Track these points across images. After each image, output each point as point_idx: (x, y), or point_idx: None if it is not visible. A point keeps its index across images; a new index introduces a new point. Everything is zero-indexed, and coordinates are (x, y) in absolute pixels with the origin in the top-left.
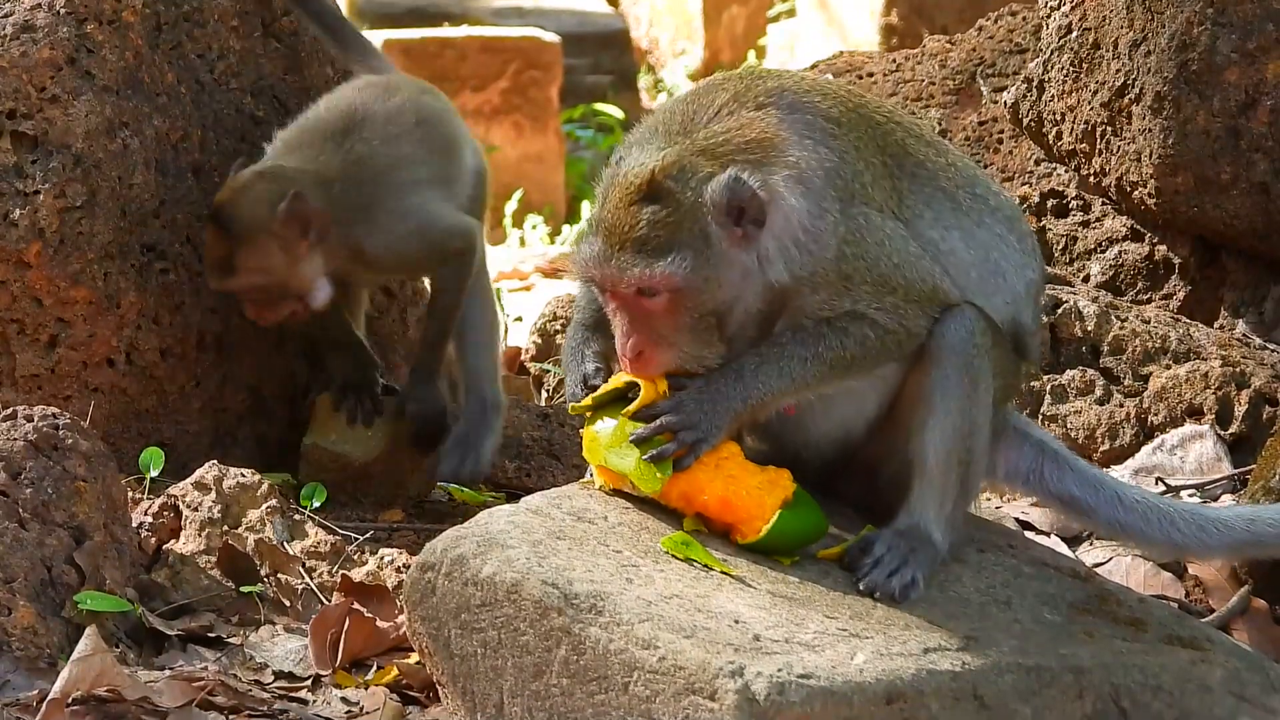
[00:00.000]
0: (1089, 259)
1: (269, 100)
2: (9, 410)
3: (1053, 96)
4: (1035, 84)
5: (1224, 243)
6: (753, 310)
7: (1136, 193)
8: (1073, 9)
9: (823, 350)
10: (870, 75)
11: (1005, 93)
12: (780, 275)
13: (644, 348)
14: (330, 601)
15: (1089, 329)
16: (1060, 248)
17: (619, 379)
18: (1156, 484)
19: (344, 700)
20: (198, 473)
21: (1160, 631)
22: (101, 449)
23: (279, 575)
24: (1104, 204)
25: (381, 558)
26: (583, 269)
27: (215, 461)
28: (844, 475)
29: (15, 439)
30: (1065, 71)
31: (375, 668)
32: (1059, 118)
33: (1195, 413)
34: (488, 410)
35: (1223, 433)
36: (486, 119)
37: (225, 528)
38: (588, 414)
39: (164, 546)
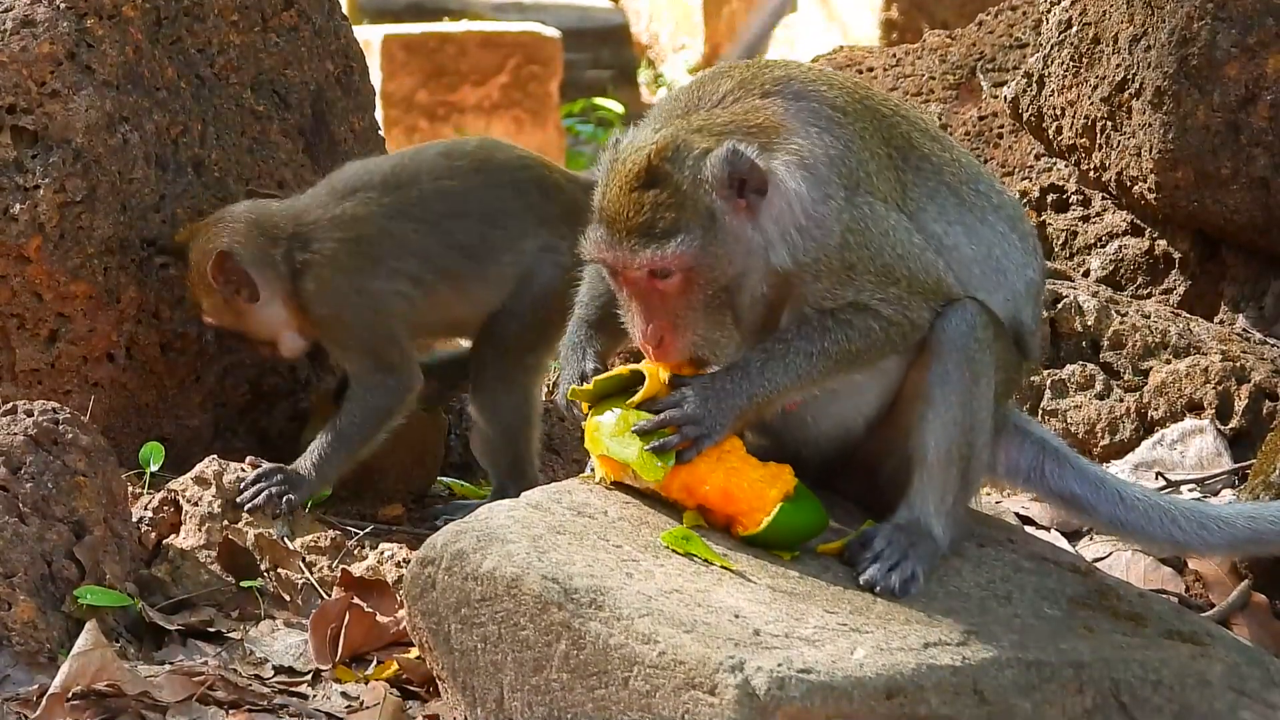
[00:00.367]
0: (1089, 254)
1: (269, 95)
2: (9, 405)
3: (1053, 91)
4: (1035, 79)
5: (1224, 237)
6: (759, 293)
7: (1136, 187)
8: (1073, 4)
9: (828, 345)
10: (870, 70)
11: (1005, 87)
12: (783, 260)
13: (663, 332)
14: (330, 596)
15: (1089, 324)
16: (1060, 242)
17: (622, 369)
18: (1156, 479)
19: (344, 695)
20: (198, 467)
21: (1160, 626)
22: (101, 444)
23: (279, 570)
24: (1104, 199)
25: (381, 552)
26: (594, 254)
27: (215, 456)
28: (844, 470)
29: (15, 434)
30: (1065, 66)
31: (375, 662)
32: (1059, 112)
33: (1195, 407)
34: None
35: (1223, 427)
36: (486, 114)
37: (225, 522)
38: (585, 406)
39: (164, 541)
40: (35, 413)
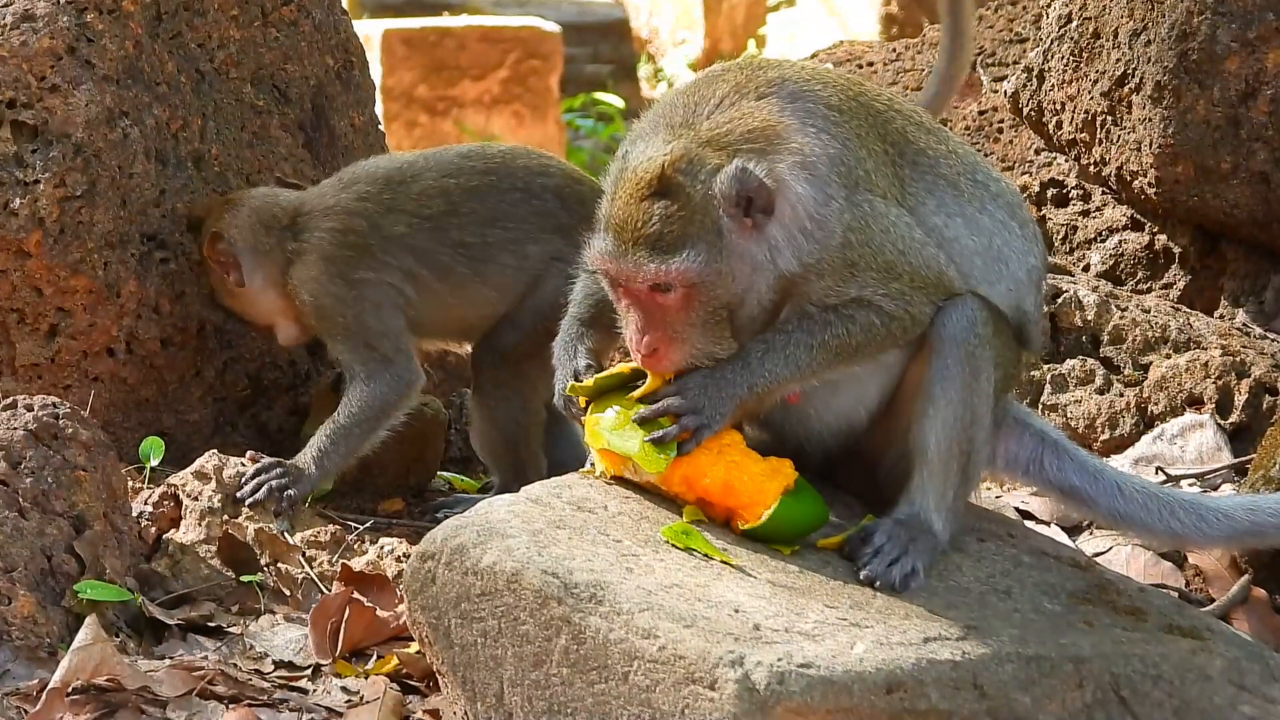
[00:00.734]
0: (1089, 248)
1: (269, 90)
2: (9, 399)
3: (1053, 86)
4: (1035, 73)
5: (1224, 232)
6: (765, 302)
7: (1136, 182)
8: None
9: (828, 337)
10: (870, 64)
11: (1005, 82)
12: (790, 264)
13: (659, 344)
14: (330, 591)
15: (1089, 318)
16: (1060, 237)
17: (623, 367)
18: (1156, 473)
19: (344, 689)
20: (198, 462)
21: (1160, 621)
22: (101, 438)
23: (279, 564)
24: (1104, 193)
25: (381, 547)
26: (596, 263)
27: (215, 451)
28: (845, 465)
29: (15, 428)
30: (1065, 61)
31: (375, 657)
32: (1059, 107)
33: (1195, 402)
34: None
35: (1223, 422)
36: (486, 108)
37: (225, 517)
38: (583, 401)
39: (164, 536)
40: (35, 407)
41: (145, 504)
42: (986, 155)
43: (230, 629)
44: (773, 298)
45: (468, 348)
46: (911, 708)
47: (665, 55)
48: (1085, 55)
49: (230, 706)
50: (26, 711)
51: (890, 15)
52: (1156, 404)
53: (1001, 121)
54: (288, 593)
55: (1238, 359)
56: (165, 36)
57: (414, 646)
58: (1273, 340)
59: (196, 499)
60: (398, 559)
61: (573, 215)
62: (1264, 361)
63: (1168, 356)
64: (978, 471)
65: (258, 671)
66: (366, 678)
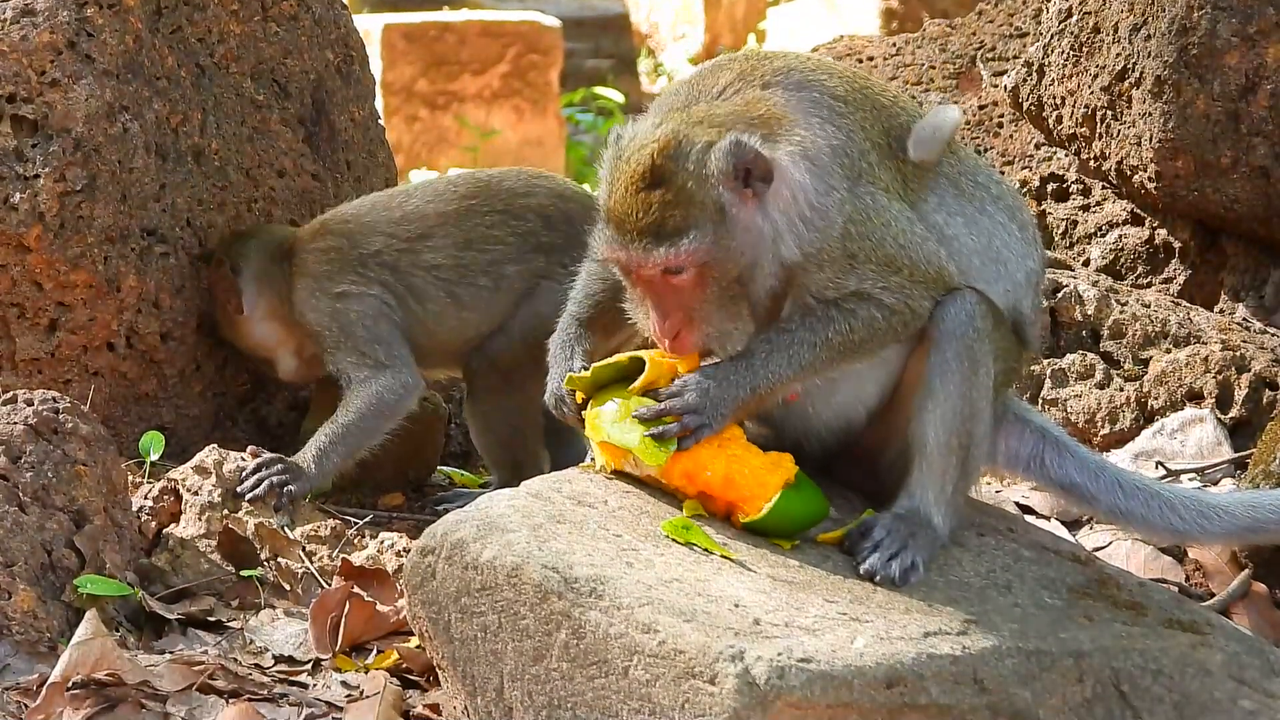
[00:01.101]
0: (1089, 243)
1: (269, 84)
2: (9, 394)
3: (1053, 80)
4: (1035, 68)
5: (1224, 227)
6: (770, 285)
7: (1137, 177)
8: None
9: (831, 334)
10: (870, 59)
11: (1005, 76)
12: (791, 251)
13: (679, 327)
14: (330, 585)
15: (1089, 313)
16: (1060, 232)
17: (621, 357)
18: (1156, 468)
19: (344, 684)
20: (198, 456)
21: (1160, 615)
22: (101, 433)
23: (279, 559)
24: (1104, 188)
25: (381, 542)
26: (605, 253)
27: (215, 445)
28: (845, 460)
29: (15, 423)
30: (1065, 55)
31: (375, 651)
32: (1059, 102)
33: (1195, 397)
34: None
35: (1223, 417)
36: (486, 103)
37: (225, 511)
38: (580, 395)
39: (164, 530)
40: (35, 402)
41: (145, 499)
42: (986, 150)
43: (230, 624)
44: (775, 284)
45: None
46: (912, 702)
47: (665, 50)
48: (1085, 50)
49: (230, 701)
50: (26, 706)
51: (890, 10)
52: (1156, 399)
53: (1001, 116)
54: (288, 587)
55: (1238, 354)
56: (165, 31)
57: (414, 641)
58: (1273, 335)
59: (196, 494)
60: (398, 553)
61: (556, 234)
62: (1264, 356)
63: (1168, 351)
64: (977, 465)
65: (258, 666)
66: (366, 672)
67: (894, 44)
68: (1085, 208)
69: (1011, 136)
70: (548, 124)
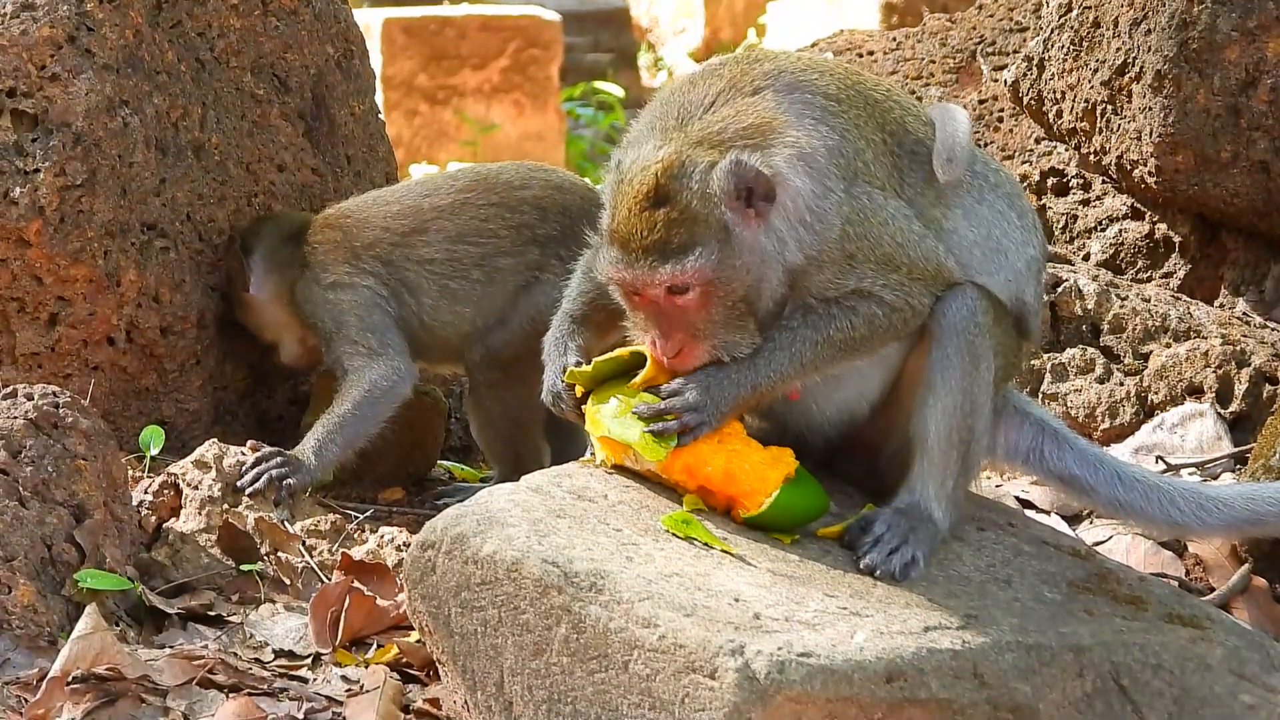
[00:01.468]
0: (1089, 237)
1: (269, 79)
2: (9, 388)
3: (1053, 75)
4: (1035, 62)
5: (1224, 221)
6: (776, 295)
7: (1137, 171)
8: None
9: (832, 332)
10: (870, 54)
11: (1005, 71)
12: (794, 256)
13: (683, 344)
14: (330, 580)
15: (1089, 307)
16: (1060, 226)
17: (622, 351)
18: (1156, 462)
19: (344, 678)
20: (198, 451)
21: (1160, 610)
22: (102, 427)
23: (279, 553)
24: (1104, 182)
25: (382, 536)
26: (609, 275)
27: (215, 439)
28: (845, 455)
29: (15, 417)
30: (1065, 50)
31: (375, 646)
32: (1059, 96)
33: (1195, 391)
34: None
35: (1223, 411)
36: (486, 97)
37: (225, 506)
38: (580, 390)
39: (164, 525)
40: (35, 396)
41: (145, 493)
42: (986, 144)
43: (230, 618)
44: (783, 290)
45: None
46: (911, 696)
47: (665, 44)
48: (1085, 44)
49: (230, 695)
50: (26, 700)
51: (890, 4)
52: (1156, 393)
53: (1001, 110)
54: (288, 582)
55: (1238, 348)
56: (165, 25)
57: (414, 635)
58: (1273, 329)
59: (196, 488)
60: (398, 548)
61: (552, 225)
62: (1264, 350)
63: (1168, 345)
64: (978, 460)
65: (258, 660)
66: (367, 667)
67: (894, 38)
68: (1085, 202)
69: (1011, 131)
70: (548, 118)
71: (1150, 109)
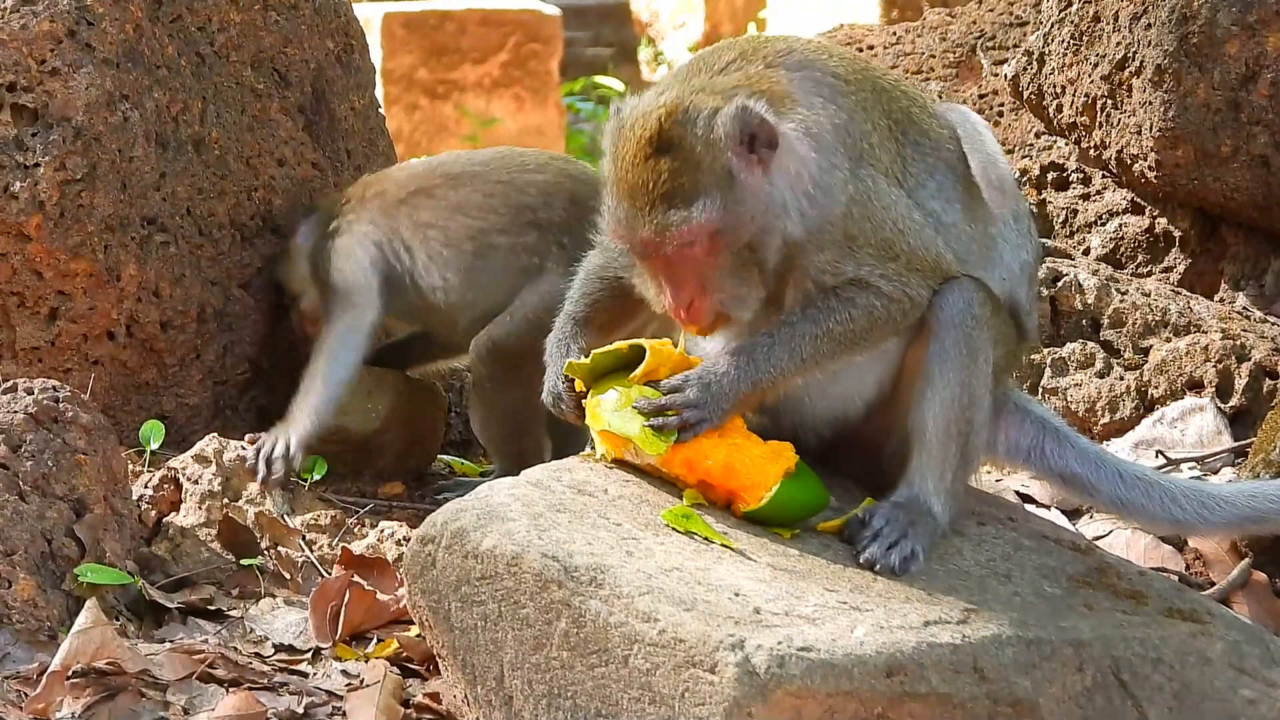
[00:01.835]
0: (1089, 232)
1: (269, 73)
2: (9, 383)
3: (1053, 69)
4: (1035, 57)
5: (1224, 216)
6: (777, 257)
7: (1137, 166)
8: None
9: (832, 325)
10: (871, 48)
11: (1006, 65)
12: (796, 228)
13: (693, 299)
14: (330, 574)
15: (1089, 302)
16: (1060, 220)
17: (621, 345)
18: (1156, 457)
19: (344, 673)
20: (198, 445)
21: (1160, 604)
22: (102, 421)
23: (279, 548)
24: (1104, 177)
25: (382, 530)
26: (615, 234)
27: (215, 434)
28: (845, 449)
29: (15, 411)
30: (1065, 44)
31: (375, 640)
32: (1059, 90)
33: (1195, 386)
34: None
35: (1223, 406)
36: (487, 92)
37: (225, 500)
38: (580, 384)
39: (164, 519)
40: (35, 390)
41: (145, 487)
42: None
43: (230, 612)
44: (780, 260)
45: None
46: (911, 691)
47: (665, 39)
48: (1085, 39)
49: (230, 690)
50: (26, 695)
51: None
52: (1157, 387)
53: (1002, 105)
54: (288, 576)
55: (1238, 342)
56: (165, 20)
57: (414, 630)
58: (1273, 324)
59: (196, 482)
60: (398, 542)
61: (555, 211)
62: (1264, 345)
63: (1168, 340)
64: (977, 454)
65: (258, 655)
66: (366, 661)
67: (894, 33)
68: (1085, 196)
69: (1012, 125)
70: (548, 113)
71: (1150, 103)
